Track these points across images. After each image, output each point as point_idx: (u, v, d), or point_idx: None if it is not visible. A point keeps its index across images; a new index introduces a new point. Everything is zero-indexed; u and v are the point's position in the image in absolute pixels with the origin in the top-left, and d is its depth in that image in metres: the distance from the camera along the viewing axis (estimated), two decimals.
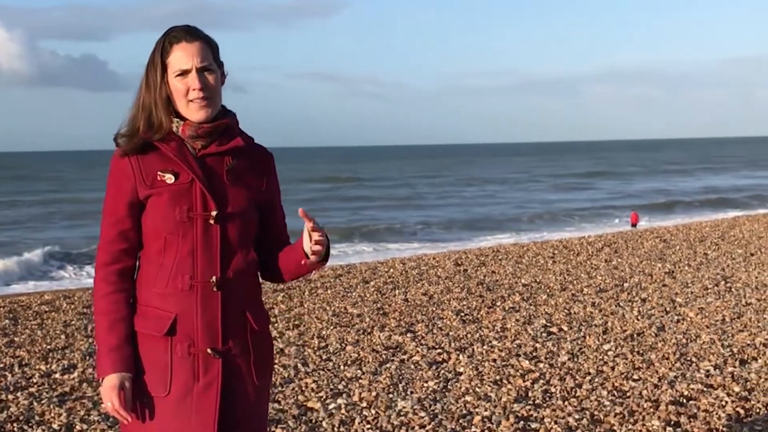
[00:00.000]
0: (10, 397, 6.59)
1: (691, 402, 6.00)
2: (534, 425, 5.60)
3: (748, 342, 7.75)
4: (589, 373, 6.85)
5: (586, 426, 5.56)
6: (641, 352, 7.52)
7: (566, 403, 6.07)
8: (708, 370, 6.80)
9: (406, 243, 22.80)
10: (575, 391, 6.35)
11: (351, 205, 36.94)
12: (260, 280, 2.97)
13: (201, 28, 2.85)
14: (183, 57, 2.77)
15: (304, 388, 6.61)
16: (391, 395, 6.38)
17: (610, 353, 7.49)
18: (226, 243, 2.81)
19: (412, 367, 7.22)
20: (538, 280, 12.05)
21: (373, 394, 6.40)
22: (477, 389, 6.47)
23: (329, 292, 11.49)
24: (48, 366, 7.59)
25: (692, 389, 6.28)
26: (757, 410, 5.80)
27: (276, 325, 9.09)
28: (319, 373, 7.07)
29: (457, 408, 6.01)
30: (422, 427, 5.64)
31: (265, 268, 2.99)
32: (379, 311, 9.90)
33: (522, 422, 5.65)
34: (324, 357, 7.65)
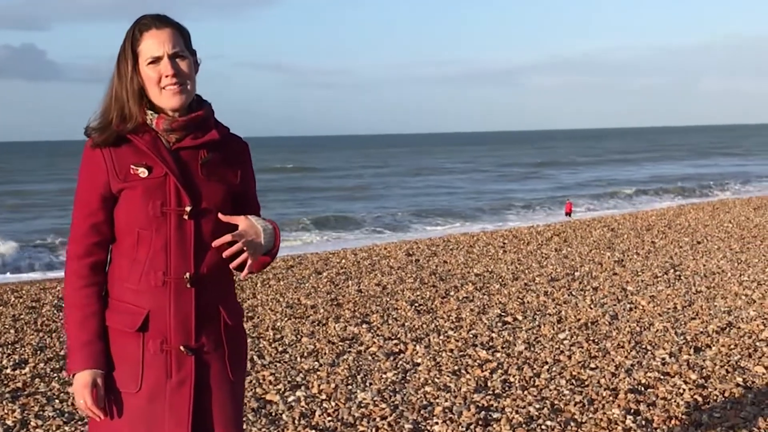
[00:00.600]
0: None
1: (649, 390, 6.05)
2: (495, 415, 5.60)
3: (701, 330, 7.85)
4: (547, 363, 6.88)
5: (547, 415, 5.58)
6: (596, 340, 7.58)
7: (526, 392, 6.09)
8: (663, 358, 6.87)
9: (356, 233, 22.75)
10: (534, 381, 6.37)
11: (300, 196, 36.80)
12: (234, 273, 2.92)
13: None
14: (154, 44, 2.71)
15: (261, 381, 6.55)
16: (350, 387, 6.34)
17: (565, 342, 7.54)
18: (200, 239, 2.75)
19: (370, 358, 7.20)
20: (490, 270, 12.10)
21: (332, 386, 6.36)
22: (436, 380, 6.47)
23: (282, 283, 11.42)
24: None
25: (649, 377, 6.34)
26: (715, 397, 5.87)
27: None
28: (276, 366, 7.01)
29: (418, 399, 6.00)
30: (384, 418, 5.61)
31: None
32: (333, 302, 9.85)
33: (483, 412, 5.66)
34: (280, 349, 7.60)
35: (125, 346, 2.74)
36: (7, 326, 9.01)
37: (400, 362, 7.02)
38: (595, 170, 55.33)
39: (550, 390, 6.12)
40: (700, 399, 5.82)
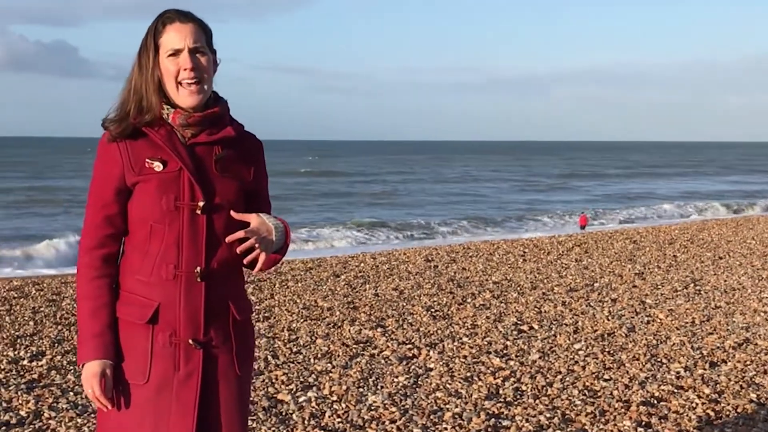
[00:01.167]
0: None
1: (661, 403, 6.02)
2: (505, 423, 5.59)
3: (718, 345, 7.80)
4: (560, 372, 6.86)
5: (557, 425, 5.56)
6: (612, 352, 7.54)
7: (537, 401, 6.07)
8: (678, 372, 6.84)
9: (381, 239, 22.75)
10: (546, 390, 6.35)
11: (330, 201, 36.87)
12: (244, 269, 2.94)
13: None
14: (176, 37, 2.73)
15: (274, 381, 6.57)
16: (361, 389, 6.35)
17: (580, 353, 7.51)
18: (212, 234, 2.77)
19: (383, 361, 7.20)
20: (508, 278, 12.07)
21: (344, 387, 6.38)
22: (448, 385, 6.46)
23: (299, 284, 11.44)
24: (16, 352, 7.49)
25: (663, 390, 6.30)
26: (727, 413, 5.83)
27: None
28: (289, 366, 7.03)
29: (428, 404, 6.00)
30: (393, 422, 5.62)
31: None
32: (350, 305, 9.87)
33: (493, 420, 5.65)
34: (294, 350, 7.62)
35: (134, 337, 2.77)
36: (26, 318, 9.10)
37: (413, 367, 7.02)
38: (626, 183, 55.13)
39: (562, 400, 6.10)
40: (712, 414, 5.79)
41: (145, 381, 2.75)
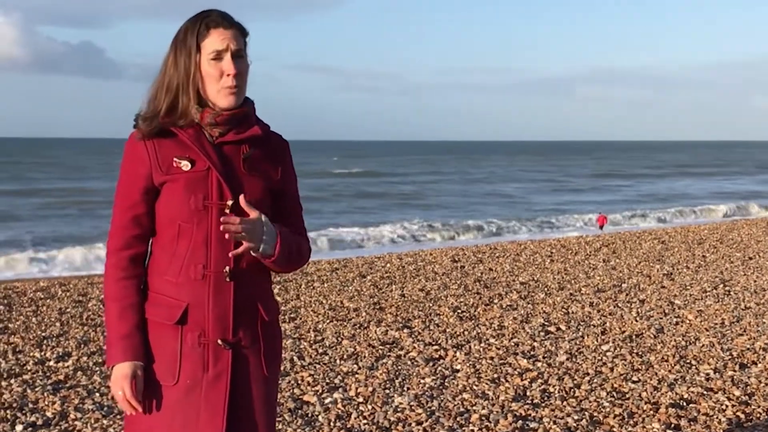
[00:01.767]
0: (4, 383, 6.53)
1: (691, 405, 5.95)
2: (532, 425, 5.54)
3: (748, 346, 7.70)
4: (588, 374, 6.80)
5: (585, 427, 5.51)
6: (640, 353, 7.47)
7: (565, 403, 6.02)
8: (708, 374, 6.76)
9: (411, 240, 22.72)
10: (574, 392, 6.30)
11: (371, 203, 36.87)
12: (271, 270, 2.91)
13: None
14: (220, 41, 2.72)
15: (300, 382, 6.56)
16: (387, 391, 6.32)
17: (608, 354, 7.44)
18: None
19: (409, 363, 7.17)
20: (535, 279, 12.00)
21: (370, 389, 6.35)
22: (474, 387, 6.42)
23: (326, 285, 11.43)
24: (42, 353, 7.52)
25: (692, 392, 6.23)
26: (758, 415, 5.75)
27: None
28: (315, 367, 7.01)
29: (455, 405, 5.96)
30: (419, 423, 5.58)
31: None
32: (376, 306, 9.84)
33: (520, 422, 5.60)
34: (320, 351, 7.60)
35: (163, 338, 2.75)
36: (53, 319, 9.14)
37: (439, 368, 6.98)
38: (666, 182, 54.77)
39: (590, 401, 6.05)
40: (742, 416, 5.71)
41: (174, 382, 2.74)
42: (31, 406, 5.96)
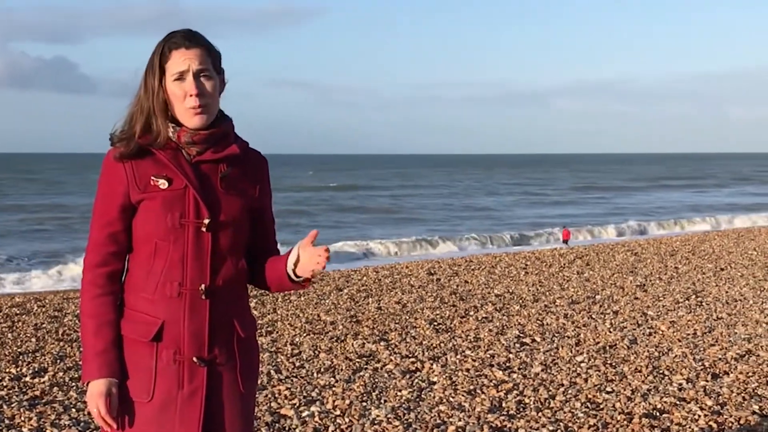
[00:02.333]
0: None
1: (664, 415, 6.02)
2: None
3: (720, 356, 7.80)
4: (563, 385, 6.86)
5: None
6: (614, 364, 7.55)
7: (540, 414, 6.07)
8: (680, 384, 6.84)
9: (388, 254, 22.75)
10: (549, 403, 6.36)
11: (347, 218, 36.81)
12: (248, 286, 2.95)
13: None
14: (181, 62, 2.75)
15: (277, 395, 6.58)
16: (364, 403, 6.36)
17: (583, 365, 7.52)
18: (216, 251, 2.79)
19: (386, 375, 7.21)
20: (510, 291, 12.08)
21: (347, 402, 6.38)
22: (451, 399, 6.47)
23: (302, 299, 11.46)
24: (18, 369, 7.50)
25: (665, 402, 6.31)
26: (730, 425, 5.83)
27: None
28: (292, 381, 7.04)
29: (431, 417, 6.00)
30: None
31: (252, 274, 2.98)
32: (353, 319, 9.88)
33: None
34: (297, 364, 7.62)
35: (138, 355, 2.77)
36: (28, 335, 9.11)
37: (416, 380, 7.03)
38: (643, 194, 54.98)
39: (565, 412, 6.11)
40: (714, 426, 5.79)
41: (149, 399, 2.76)
42: (7, 422, 5.94)
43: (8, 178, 76.09)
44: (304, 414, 6.09)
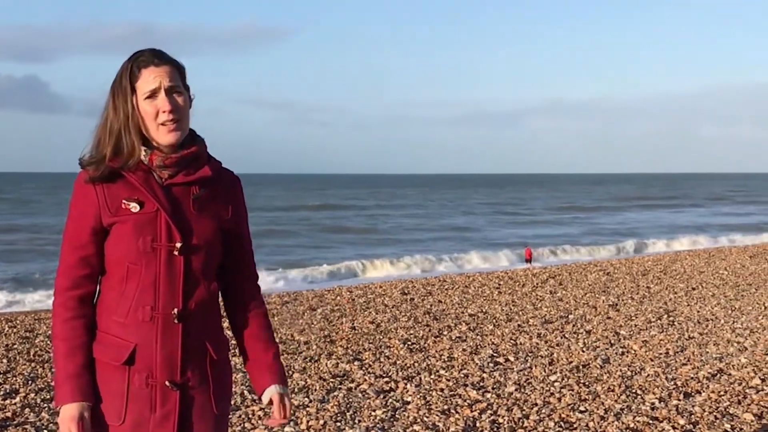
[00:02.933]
0: None
1: None
2: None
3: (692, 375, 7.86)
4: (536, 404, 6.89)
5: None
6: (587, 383, 7.59)
7: None
8: (653, 403, 6.88)
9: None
10: (523, 422, 6.38)
11: (329, 237, 36.71)
12: (220, 308, 2.95)
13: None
14: (152, 79, 2.75)
15: (251, 416, 6.55)
16: (338, 424, 6.35)
17: (556, 384, 7.55)
18: (189, 274, 2.78)
19: (360, 395, 7.21)
20: (484, 311, 12.11)
21: (321, 422, 6.37)
22: (425, 419, 6.47)
23: (276, 319, 11.43)
24: None
25: (638, 421, 6.34)
26: None
27: None
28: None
29: None
30: None
31: (225, 294, 2.98)
32: (326, 339, 9.87)
33: None
34: None
35: (110, 379, 2.76)
36: None
37: (390, 400, 7.03)
38: (623, 214, 55.08)
39: None
40: None
41: (120, 423, 2.74)
42: None
43: None
44: None
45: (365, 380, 7.72)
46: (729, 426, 6.24)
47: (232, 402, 6.83)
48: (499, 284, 15.57)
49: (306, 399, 7.06)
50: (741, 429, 6.19)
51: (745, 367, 8.16)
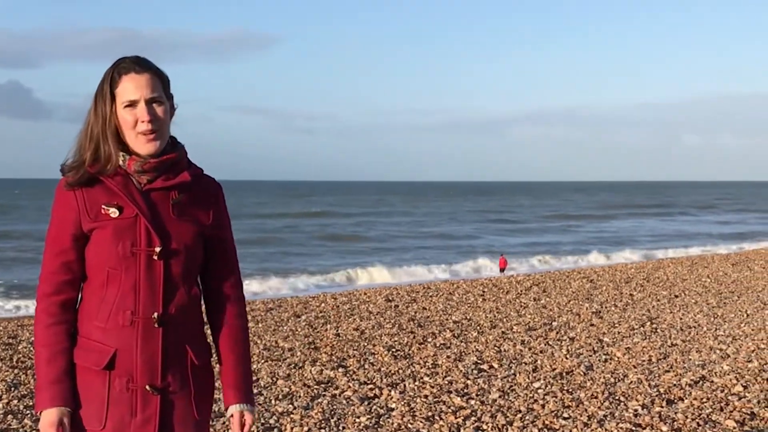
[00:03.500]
0: None
1: None
2: None
3: (675, 382, 7.89)
4: (520, 411, 6.90)
5: None
6: (570, 390, 7.61)
7: None
8: (636, 410, 6.91)
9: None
10: (506, 429, 6.39)
11: (306, 245, 36.65)
12: (202, 313, 2.95)
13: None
14: (132, 88, 2.75)
15: None
16: (323, 430, 6.35)
17: (540, 391, 7.57)
18: (169, 279, 2.78)
19: (344, 402, 7.20)
20: (468, 318, 12.13)
21: (305, 429, 6.37)
22: (409, 425, 6.48)
23: (260, 325, 11.41)
24: None
25: (621, 428, 6.37)
26: None
27: None
28: (254, 415, 6.98)
29: None
30: None
31: (206, 300, 2.98)
32: (311, 345, 9.86)
33: None
34: (255, 391, 7.58)
35: (91, 383, 2.76)
36: None
37: (374, 407, 7.03)
38: (612, 223, 54.97)
39: None
40: None
41: (101, 427, 2.74)
42: None
43: None
44: None
45: (349, 387, 7.72)
46: None
47: (215, 409, 6.83)
48: (484, 291, 15.60)
49: (290, 406, 7.05)
50: None
51: (728, 374, 8.20)
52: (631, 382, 7.93)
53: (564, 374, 8.29)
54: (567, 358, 9.05)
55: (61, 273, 2.79)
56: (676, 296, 14.72)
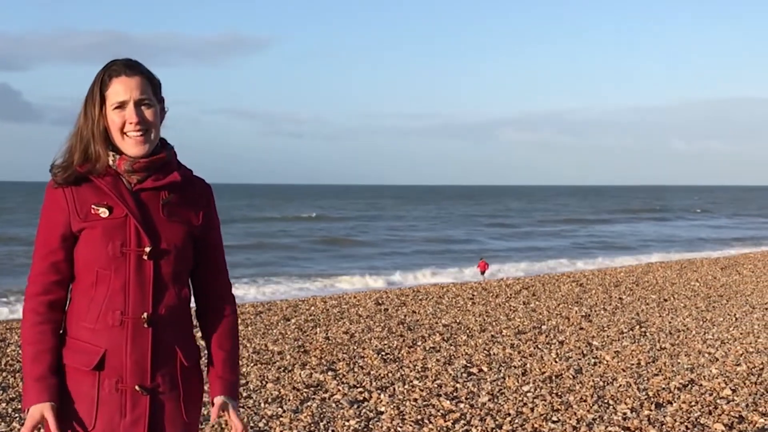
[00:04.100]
0: None
1: None
2: None
3: (663, 386, 7.91)
4: (509, 414, 6.91)
5: None
6: (560, 393, 7.62)
7: None
8: (625, 413, 6.93)
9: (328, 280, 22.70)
10: None
11: (296, 249, 36.59)
12: (192, 315, 2.95)
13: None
14: (121, 90, 2.76)
15: (224, 426, 6.53)
16: None
17: (529, 395, 7.58)
18: (159, 279, 2.78)
19: (334, 405, 7.20)
20: (458, 321, 12.14)
21: None
22: (399, 429, 6.48)
23: (249, 329, 11.40)
24: None
25: (610, 431, 6.38)
26: None
27: None
28: (238, 411, 6.98)
29: None
30: None
31: (196, 301, 2.98)
32: (300, 349, 9.86)
33: None
34: (244, 394, 7.58)
35: (80, 384, 2.76)
36: None
37: (364, 410, 7.03)
38: (615, 226, 54.83)
39: None
40: None
41: (91, 428, 2.74)
42: None
43: None
44: None
45: (339, 390, 7.72)
46: None
47: (205, 412, 6.82)
48: (473, 295, 15.61)
49: (279, 409, 7.05)
50: None
51: (716, 378, 8.23)
52: (620, 385, 7.94)
53: (553, 377, 8.30)
54: (556, 362, 9.06)
55: (50, 274, 2.79)
56: (665, 300, 14.76)
